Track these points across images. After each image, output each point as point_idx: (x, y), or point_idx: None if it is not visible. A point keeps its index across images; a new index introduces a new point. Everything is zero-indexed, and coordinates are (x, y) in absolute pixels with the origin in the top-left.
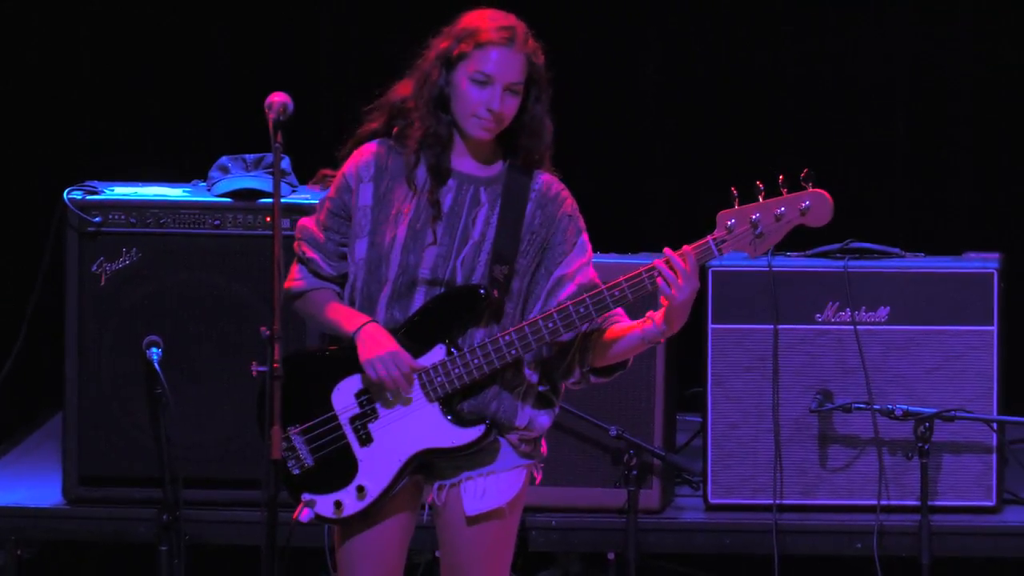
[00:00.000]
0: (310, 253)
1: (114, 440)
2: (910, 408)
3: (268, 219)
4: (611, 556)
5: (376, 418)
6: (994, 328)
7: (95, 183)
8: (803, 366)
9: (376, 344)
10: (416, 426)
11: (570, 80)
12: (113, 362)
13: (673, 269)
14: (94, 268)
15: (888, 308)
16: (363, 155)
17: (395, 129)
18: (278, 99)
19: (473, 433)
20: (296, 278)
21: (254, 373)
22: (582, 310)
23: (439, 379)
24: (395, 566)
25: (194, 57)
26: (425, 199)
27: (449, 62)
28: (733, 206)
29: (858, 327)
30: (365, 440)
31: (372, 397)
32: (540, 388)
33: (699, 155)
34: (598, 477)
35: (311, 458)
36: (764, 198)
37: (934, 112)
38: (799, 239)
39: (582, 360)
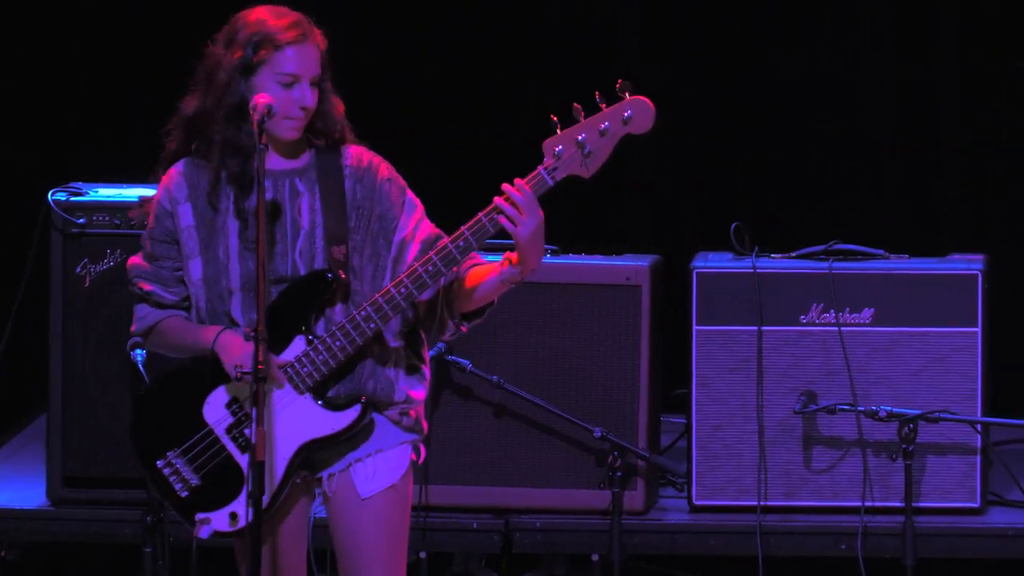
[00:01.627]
0: (147, 287)
1: (98, 441)
2: (894, 409)
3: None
4: (595, 558)
5: (251, 422)
6: (978, 329)
7: (79, 184)
8: (787, 367)
9: (236, 347)
10: (292, 421)
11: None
12: (97, 363)
13: (514, 204)
14: (78, 269)
15: (872, 309)
16: (172, 177)
17: (194, 146)
18: (262, 100)
19: (350, 415)
20: (140, 317)
21: (238, 375)
22: (431, 268)
23: (305, 369)
24: (297, 563)
25: (179, 58)
26: (230, 206)
27: (248, 69)
28: (556, 132)
29: (842, 328)
30: (245, 447)
31: (243, 403)
32: (406, 353)
33: (683, 158)
34: (582, 479)
35: (196, 477)
36: (585, 118)
37: (920, 114)
38: (783, 240)
39: (451, 311)
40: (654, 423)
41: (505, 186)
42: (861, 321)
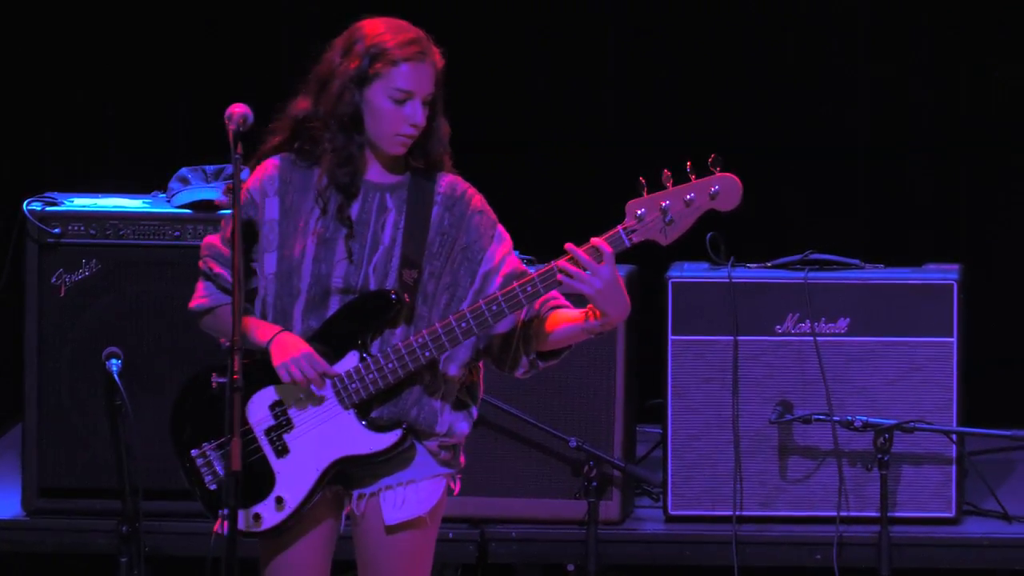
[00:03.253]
0: (217, 269)
1: (74, 451)
2: (870, 419)
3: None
4: (571, 568)
5: (291, 429)
6: (954, 339)
7: (55, 194)
8: (763, 377)
9: (289, 348)
10: (332, 434)
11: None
12: (73, 374)
13: (579, 265)
14: (54, 280)
15: (848, 319)
16: (267, 170)
17: (297, 144)
18: (238, 110)
19: (389, 439)
20: (201, 295)
21: (213, 385)
22: (495, 308)
23: (353, 385)
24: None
25: (154, 68)
26: (333, 213)
27: (362, 80)
28: (642, 195)
29: (818, 338)
30: (281, 451)
31: (287, 408)
32: (463, 387)
33: (659, 167)
34: (558, 488)
35: (224, 469)
36: (673, 185)
37: (895, 123)
38: (759, 250)
39: (527, 349)
40: (629, 433)
41: (570, 245)
42: (836, 331)
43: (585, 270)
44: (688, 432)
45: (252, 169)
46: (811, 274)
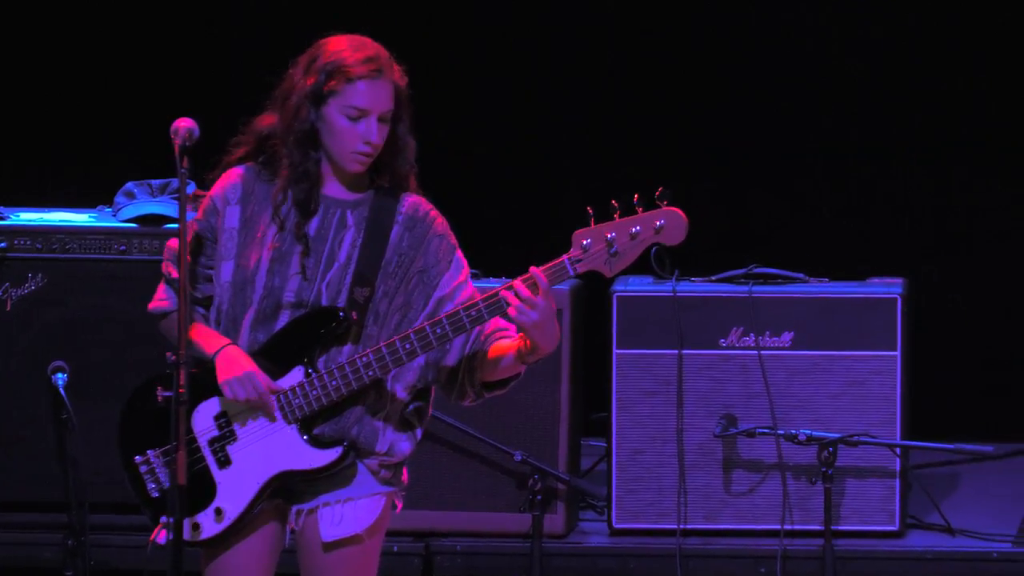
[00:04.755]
0: (176, 274)
1: (19, 465)
2: (814, 433)
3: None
4: None
5: (234, 440)
6: (898, 353)
7: (0, 209)
8: (707, 391)
9: (234, 365)
10: (274, 448)
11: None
12: (19, 387)
13: (518, 295)
14: (0, 295)
15: (792, 333)
16: (230, 178)
17: (261, 158)
18: (184, 125)
19: (330, 455)
20: (161, 298)
21: (159, 398)
22: (439, 331)
23: (297, 401)
24: None
25: (100, 82)
26: (291, 228)
27: (318, 97)
28: (589, 224)
29: (762, 352)
30: (224, 462)
31: (231, 419)
32: (408, 408)
33: (604, 181)
34: (503, 502)
35: (170, 480)
36: (619, 217)
37: (842, 140)
38: (703, 264)
39: (471, 380)
40: (574, 446)
41: (517, 282)
42: (781, 345)
43: (524, 303)
44: (633, 445)
45: (217, 178)
46: (755, 288)
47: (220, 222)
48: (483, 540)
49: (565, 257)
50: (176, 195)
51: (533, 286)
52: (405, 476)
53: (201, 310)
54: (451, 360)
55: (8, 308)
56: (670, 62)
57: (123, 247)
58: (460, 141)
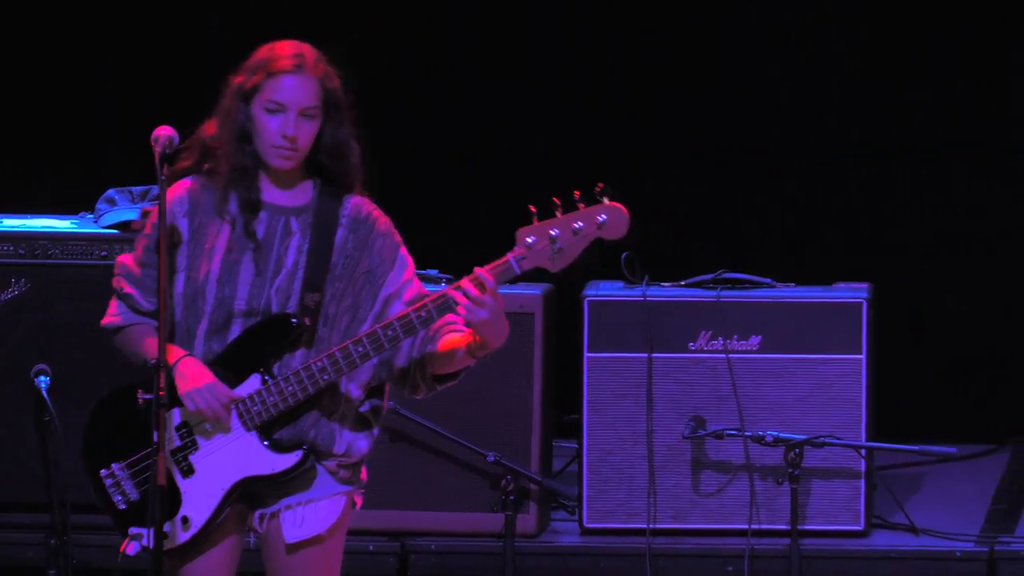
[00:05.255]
0: (128, 289)
1: (2, 466)
2: (780, 435)
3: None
4: None
5: (197, 449)
6: (863, 357)
7: None
8: (677, 393)
9: (193, 377)
10: (236, 455)
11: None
12: (2, 390)
13: (466, 294)
14: None
15: (760, 337)
16: (177, 192)
17: (206, 166)
18: (164, 133)
19: (291, 459)
20: (114, 313)
21: (140, 401)
22: (390, 333)
23: (255, 408)
24: None
25: (81, 91)
26: (239, 232)
27: (245, 96)
28: (532, 223)
29: (730, 355)
30: (187, 472)
31: (192, 430)
32: (362, 409)
33: (575, 188)
34: (476, 502)
35: (136, 492)
36: (562, 214)
37: (807, 145)
38: (673, 269)
39: (423, 374)
40: (546, 448)
41: (464, 280)
42: (748, 348)
43: (471, 302)
44: (603, 447)
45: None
46: (724, 293)
47: (170, 235)
48: (457, 539)
49: (510, 255)
50: (156, 201)
51: (480, 285)
52: (364, 475)
53: (153, 322)
54: (402, 359)
55: None
56: (628, 64)
57: (104, 252)
58: (410, 144)
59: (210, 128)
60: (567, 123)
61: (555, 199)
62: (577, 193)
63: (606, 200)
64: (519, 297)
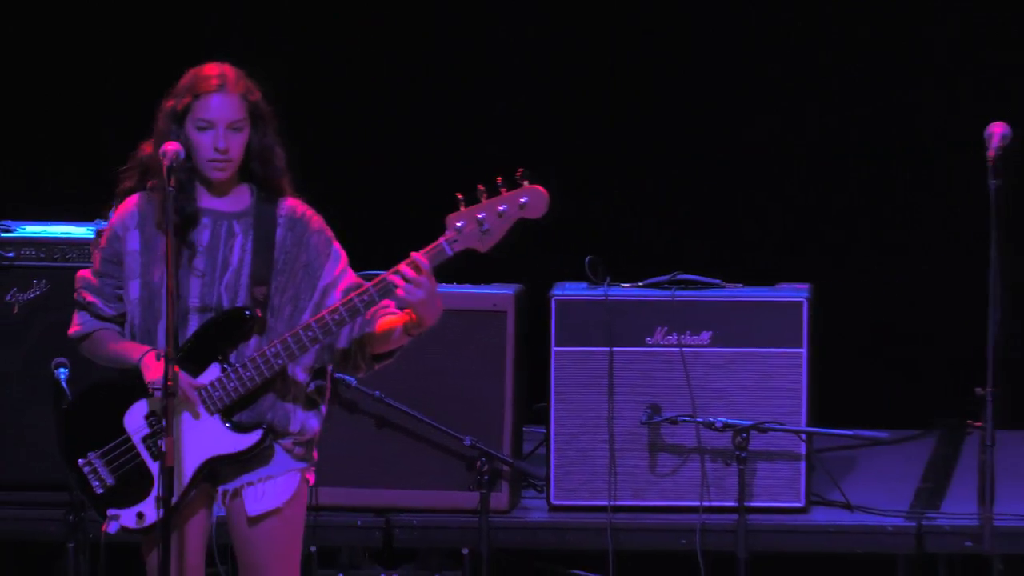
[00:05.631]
0: (90, 298)
1: (26, 449)
2: (729, 420)
3: None
4: (465, 551)
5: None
6: (803, 350)
7: (9, 223)
8: (635, 384)
9: (157, 367)
10: (201, 438)
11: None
12: (25, 379)
13: (405, 278)
14: (8, 298)
15: (710, 332)
16: (127, 207)
17: (149, 183)
18: (171, 148)
19: (252, 438)
20: (78, 323)
21: (150, 390)
22: (336, 317)
23: (217, 393)
24: (197, 563)
25: (95, 107)
26: (184, 238)
27: (178, 118)
28: (460, 209)
29: (684, 349)
30: (157, 455)
31: (160, 417)
32: (309, 388)
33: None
34: (454, 481)
35: (111, 477)
36: (487, 199)
37: (759, 154)
38: (630, 271)
39: (363, 355)
40: (517, 432)
41: (402, 264)
42: (700, 343)
43: (409, 283)
44: (569, 432)
45: (114, 210)
46: (677, 292)
47: (123, 247)
48: (437, 515)
49: (442, 239)
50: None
51: (417, 268)
52: (315, 454)
53: (115, 326)
54: (343, 342)
55: (15, 311)
56: (570, 62)
57: None
58: (345, 145)
59: (147, 149)
60: (487, 120)
61: (479, 186)
62: (500, 179)
63: (526, 183)
64: (493, 297)
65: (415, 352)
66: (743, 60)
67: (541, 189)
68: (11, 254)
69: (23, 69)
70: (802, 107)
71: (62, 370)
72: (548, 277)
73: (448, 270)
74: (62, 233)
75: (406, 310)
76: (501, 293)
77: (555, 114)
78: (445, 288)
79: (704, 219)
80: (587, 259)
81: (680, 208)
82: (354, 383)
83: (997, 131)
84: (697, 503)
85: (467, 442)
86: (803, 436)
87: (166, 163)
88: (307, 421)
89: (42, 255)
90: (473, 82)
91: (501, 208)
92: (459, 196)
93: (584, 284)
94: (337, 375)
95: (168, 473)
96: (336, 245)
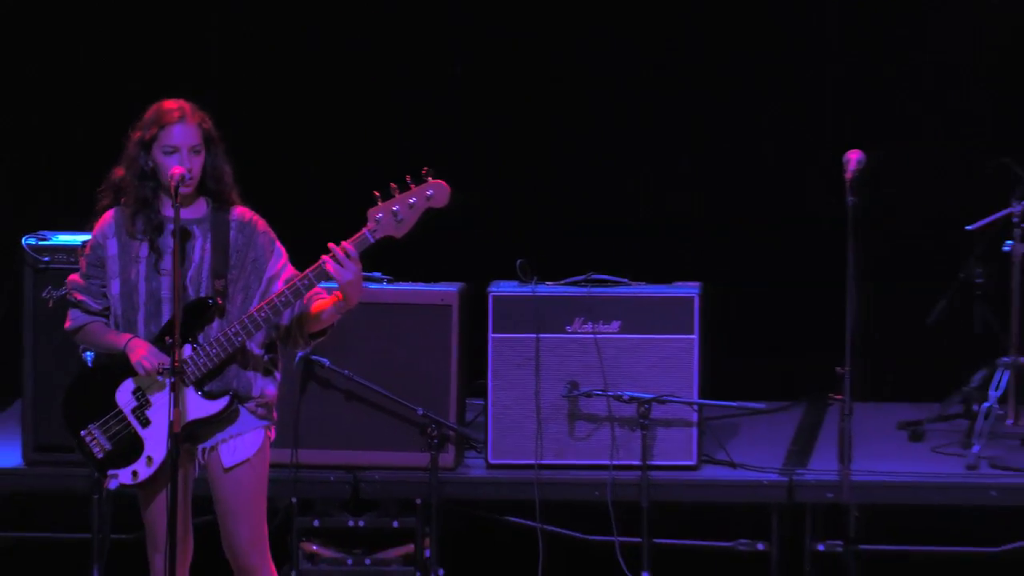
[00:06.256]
0: (80, 297)
1: (58, 418)
2: (634, 394)
3: None
4: (418, 501)
5: (150, 406)
6: (695, 337)
7: (45, 233)
8: (557, 364)
9: (140, 349)
10: (180, 405)
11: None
12: (57, 362)
13: (338, 261)
14: (44, 294)
15: (619, 322)
16: (105, 219)
17: (122, 200)
18: (177, 171)
19: (221, 404)
20: (71, 319)
21: (160, 369)
22: (282, 299)
23: (190, 369)
24: (185, 509)
25: (115, 135)
26: (153, 243)
27: (146, 145)
28: (377, 204)
29: (597, 336)
30: (145, 423)
31: (144, 392)
32: (264, 359)
33: (484, 209)
34: (409, 444)
35: (108, 444)
36: (399, 193)
37: (655, 163)
38: (555, 270)
39: (301, 332)
40: (461, 404)
41: (332, 245)
42: (611, 330)
43: (341, 265)
44: (503, 404)
45: (94, 224)
46: (592, 289)
47: (104, 252)
48: (395, 472)
49: (365, 229)
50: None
51: (346, 254)
52: (275, 414)
53: (102, 319)
54: (285, 320)
55: (50, 305)
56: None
57: None
58: (280, 157)
59: (119, 172)
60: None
61: (392, 184)
62: (408, 177)
63: (431, 179)
64: (440, 293)
65: (377, 339)
66: (643, 76)
67: (443, 183)
68: (47, 258)
69: (65, 106)
70: (690, 127)
71: (88, 353)
72: (486, 277)
73: (403, 270)
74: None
75: (336, 292)
76: (447, 290)
77: (482, 131)
78: (401, 286)
79: (614, 226)
80: (518, 262)
81: (594, 217)
82: (327, 363)
83: (853, 157)
84: (608, 462)
85: (420, 412)
86: (695, 407)
87: (173, 183)
88: (265, 387)
89: (72, 259)
90: (397, 104)
91: (411, 200)
92: (376, 193)
93: (515, 282)
94: (310, 356)
95: (173, 438)
96: (278, 244)
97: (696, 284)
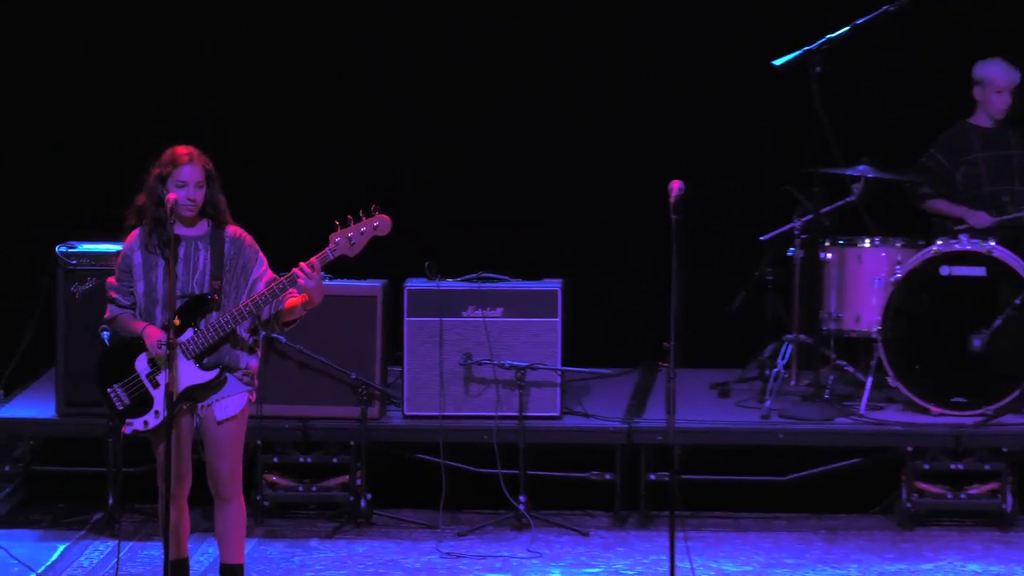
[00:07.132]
0: (113, 295)
1: (83, 382)
2: (513, 363)
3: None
4: (352, 443)
5: (159, 372)
6: (558, 320)
7: (73, 242)
8: (456, 340)
9: (154, 334)
10: (184, 374)
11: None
12: (82, 339)
13: (306, 274)
14: (72, 289)
15: (502, 308)
16: (132, 237)
17: (144, 221)
18: (171, 198)
19: (213, 373)
20: (109, 311)
21: (160, 346)
22: (263, 298)
23: (191, 347)
24: (186, 451)
25: (133, 160)
26: (167, 255)
27: (162, 179)
28: (337, 230)
29: (486, 319)
30: (155, 385)
31: (156, 363)
32: (249, 341)
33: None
34: (345, 400)
35: (128, 399)
36: (354, 222)
37: (541, 172)
38: (454, 267)
39: (277, 321)
40: (384, 370)
41: (302, 263)
42: (496, 315)
43: (308, 277)
44: (416, 370)
45: (125, 239)
46: (482, 284)
47: (131, 262)
48: (334, 421)
49: (327, 249)
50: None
51: (311, 267)
52: (256, 382)
53: (130, 312)
54: (266, 313)
55: (77, 297)
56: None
57: None
58: (260, 185)
59: (142, 199)
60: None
61: (349, 216)
62: (361, 211)
63: (378, 213)
64: (368, 287)
65: (323, 323)
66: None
67: (387, 217)
68: (75, 262)
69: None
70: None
71: (105, 333)
72: (402, 275)
73: (340, 271)
74: (104, 249)
75: (302, 295)
76: (373, 285)
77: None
78: (338, 282)
79: (499, 233)
80: (426, 264)
81: (483, 227)
82: (284, 340)
83: (675, 186)
84: (494, 413)
85: (353, 376)
86: (558, 372)
87: (169, 207)
88: (250, 362)
89: (93, 263)
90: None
91: (363, 229)
92: (336, 223)
93: (424, 279)
94: (273, 336)
95: (170, 401)
96: (261, 254)
97: (559, 280)
